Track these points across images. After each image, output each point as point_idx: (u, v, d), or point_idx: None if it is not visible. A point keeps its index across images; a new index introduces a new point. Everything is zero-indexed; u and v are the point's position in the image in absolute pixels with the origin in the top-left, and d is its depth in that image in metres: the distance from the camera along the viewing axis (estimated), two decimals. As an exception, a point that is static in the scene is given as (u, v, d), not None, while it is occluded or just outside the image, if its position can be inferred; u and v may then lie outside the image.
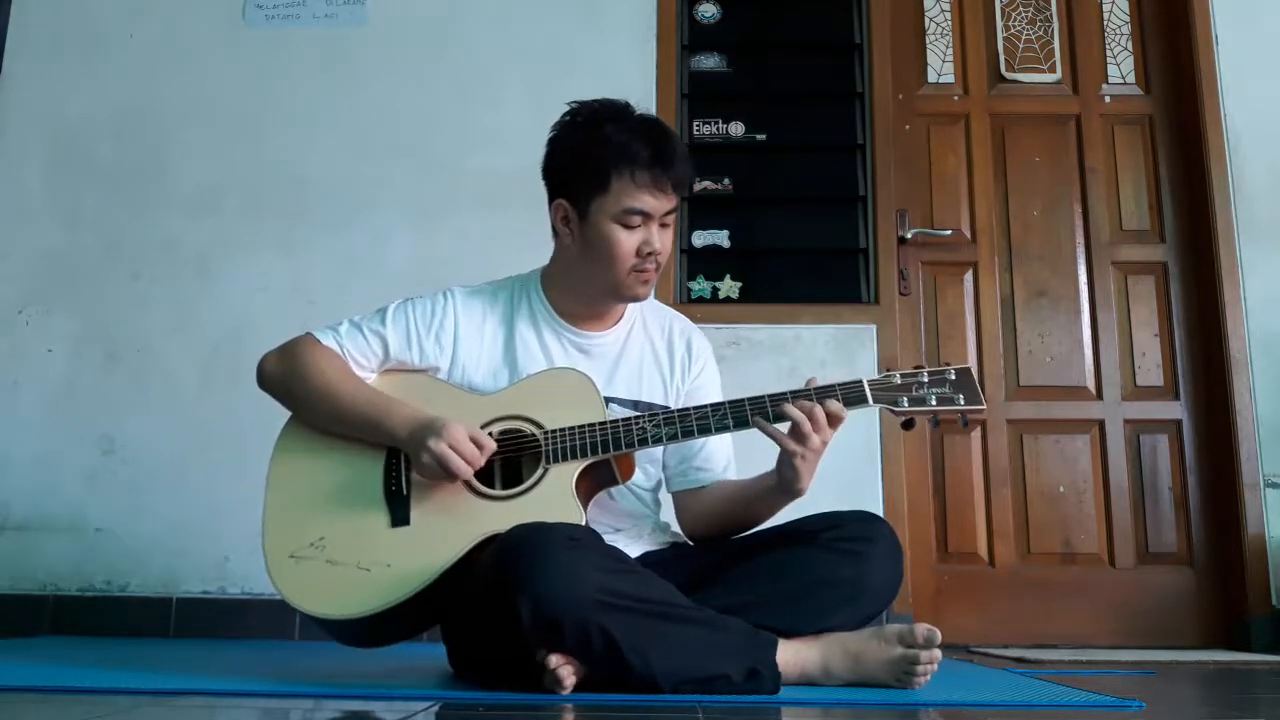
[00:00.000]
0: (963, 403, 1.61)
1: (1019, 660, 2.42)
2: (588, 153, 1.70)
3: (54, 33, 3.25)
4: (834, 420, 1.60)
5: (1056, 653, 2.63)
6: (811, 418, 1.58)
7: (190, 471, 2.92)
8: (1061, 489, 3.07)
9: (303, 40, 3.22)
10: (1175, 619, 2.98)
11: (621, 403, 1.77)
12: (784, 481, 1.65)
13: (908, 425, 1.66)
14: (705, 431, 1.64)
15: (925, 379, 1.62)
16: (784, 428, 1.61)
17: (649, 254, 1.70)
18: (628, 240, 1.69)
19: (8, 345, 3.06)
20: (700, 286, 3.12)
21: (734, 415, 1.62)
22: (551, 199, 1.78)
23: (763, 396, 1.62)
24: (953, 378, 1.62)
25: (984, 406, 1.63)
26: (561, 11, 3.22)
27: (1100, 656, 2.56)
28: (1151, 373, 3.14)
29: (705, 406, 1.64)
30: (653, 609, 1.49)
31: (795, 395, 1.61)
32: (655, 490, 1.88)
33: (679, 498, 1.85)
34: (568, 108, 1.76)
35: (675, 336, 1.89)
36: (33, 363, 3.04)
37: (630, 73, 3.15)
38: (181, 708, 1.42)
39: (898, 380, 1.63)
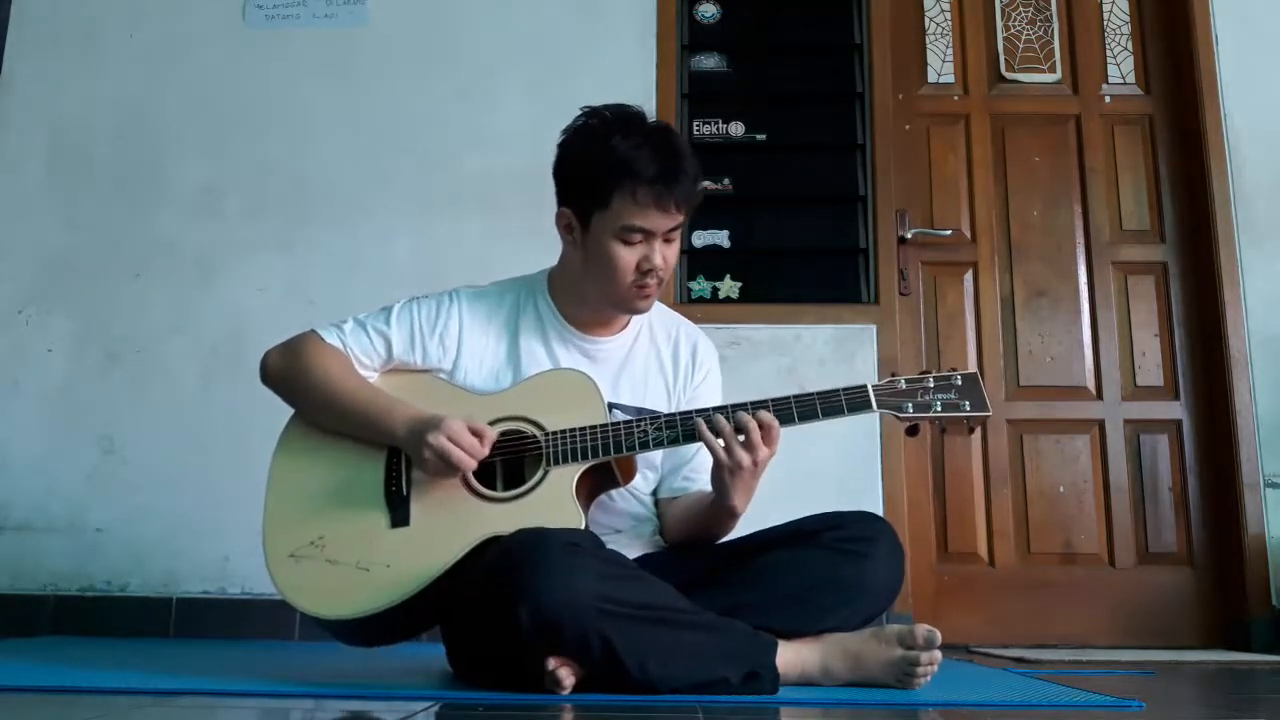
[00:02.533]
0: (969, 409, 1.57)
1: (1019, 660, 2.42)
2: (592, 166, 1.67)
3: (54, 32, 3.25)
4: (768, 435, 1.56)
5: (1056, 653, 2.63)
6: (741, 431, 1.56)
7: (190, 471, 2.91)
8: (1061, 489, 3.06)
9: (303, 40, 3.22)
10: (1175, 619, 2.98)
11: (625, 409, 1.76)
12: (716, 496, 1.64)
13: (912, 431, 1.62)
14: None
15: (931, 384, 1.59)
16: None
17: (649, 270, 1.68)
18: (627, 256, 1.67)
19: (8, 345, 3.06)
20: (700, 286, 3.12)
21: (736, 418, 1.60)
22: (558, 204, 1.76)
23: (765, 401, 1.59)
24: (959, 383, 1.59)
25: (990, 413, 1.59)
26: (561, 11, 3.22)
27: (1100, 656, 2.56)
28: (1151, 373, 3.13)
29: (708, 409, 1.62)
30: (652, 615, 1.48)
31: (799, 400, 1.59)
32: (655, 494, 1.87)
33: (662, 504, 1.84)
34: (581, 112, 1.73)
35: (681, 342, 1.88)
36: (33, 363, 3.04)
37: (630, 73, 3.15)
38: (181, 708, 1.43)
39: (903, 385, 1.60)
